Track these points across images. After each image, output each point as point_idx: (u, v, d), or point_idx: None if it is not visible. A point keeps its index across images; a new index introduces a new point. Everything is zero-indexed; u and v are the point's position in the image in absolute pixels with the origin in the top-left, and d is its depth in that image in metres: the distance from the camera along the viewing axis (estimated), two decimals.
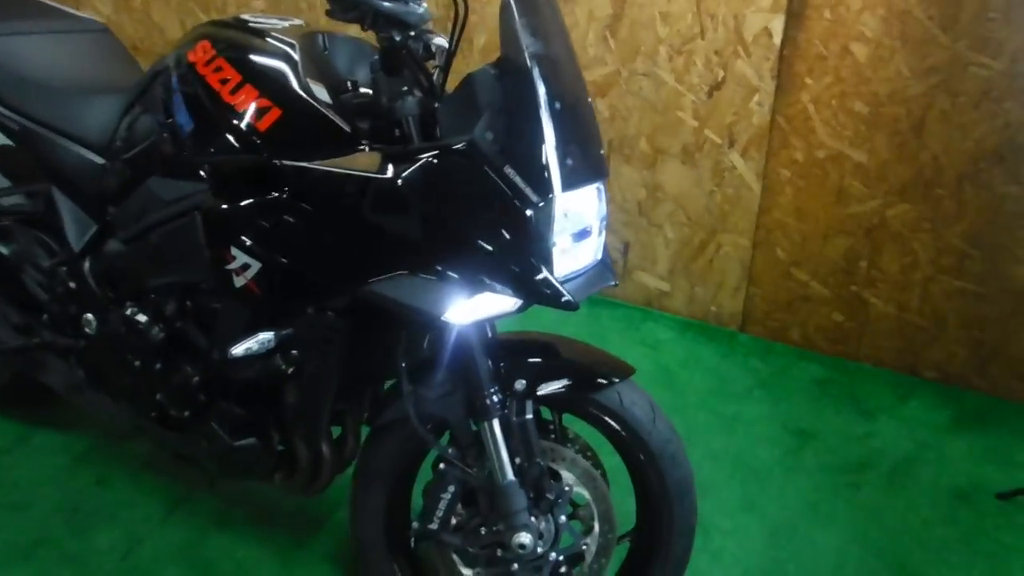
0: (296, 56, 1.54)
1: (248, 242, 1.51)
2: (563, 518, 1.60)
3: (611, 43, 2.51)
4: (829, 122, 2.36)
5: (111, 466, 2.23)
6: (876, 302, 2.54)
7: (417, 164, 1.38)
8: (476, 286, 1.39)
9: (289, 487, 1.81)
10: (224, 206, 1.54)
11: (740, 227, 2.61)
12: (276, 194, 1.49)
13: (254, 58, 1.53)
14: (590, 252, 1.46)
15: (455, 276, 1.39)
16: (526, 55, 1.33)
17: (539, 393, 1.55)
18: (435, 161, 1.38)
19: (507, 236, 1.37)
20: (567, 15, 2.50)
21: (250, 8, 3.04)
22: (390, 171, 1.39)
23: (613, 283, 1.51)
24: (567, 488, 1.60)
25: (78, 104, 1.84)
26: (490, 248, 1.37)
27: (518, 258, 1.37)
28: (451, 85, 1.46)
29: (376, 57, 1.47)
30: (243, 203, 1.52)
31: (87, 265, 1.85)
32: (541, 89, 1.33)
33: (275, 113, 1.46)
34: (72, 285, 1.89)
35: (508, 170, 1.35)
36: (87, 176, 1.82)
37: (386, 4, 1.33)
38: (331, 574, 1.93)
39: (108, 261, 1.83)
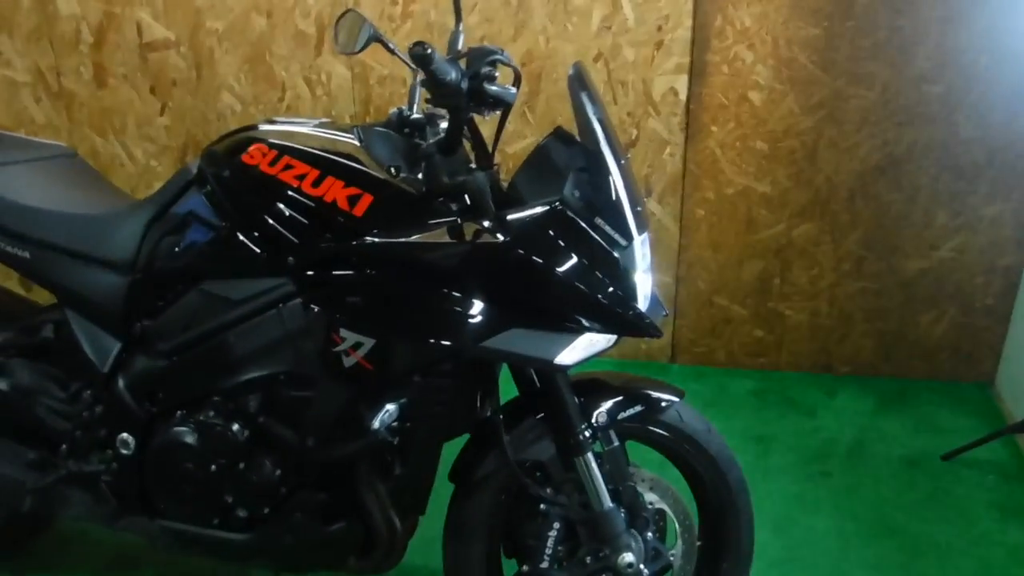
0: (360, 146, 1.64)
1: (358, 321, 1.54)
2: (649, 534, 1.72)
3: (529, 117, 2.72)
4: (735, 161, 2.69)
5: None
6: (790, 313, 2.87)
7: (518, 228, 1.50)
8: (578, 329, 1.52)
9: (365, 567, 1.80)
10: (324, 291, 1.56)
11: (663, 266, 2.87)
12: (381, 272, 1.54)
13: (326, 153, 1.60)
14: (650, 288, 1.63)
15: (559, 323, 1.52)
16: (595, 122, 1.52)
17: (614, 422, 1.68)
18: (534, 223, 1.50)
19: (602, 278, 1.51)
20: None
21: None
22: (496, 237, 1.50)
23: (665, 313, 1.68)
24: (651, 505, 1.73)
25: (88, 225, 1.80)
26: (588, 292, 1.50)
27: (612, 297, 1.52)
28: None
29: (426, 142, 1.60)
30: (347, 285, 1.55)
31: (120, 383, 1.77)
32: (608, 150, 1.52)
33: (368, 199, 1.53)
34: (100, 408, 1.80)
35: (598, 221, 1.51)
36: (108, 294, 1.77)
37: (492, 88, 1.46)
38: None
39: (145, 375, 1.76)
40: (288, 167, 1.60)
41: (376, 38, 1.70)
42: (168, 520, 1.83)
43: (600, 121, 1.54)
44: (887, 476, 2.49)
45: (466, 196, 1.57)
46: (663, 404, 1.71)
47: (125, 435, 1.80)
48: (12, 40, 2.84)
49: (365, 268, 1.55)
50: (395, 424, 1.60)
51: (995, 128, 2.53)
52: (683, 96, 2.61)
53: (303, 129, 1.73)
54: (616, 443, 1.68)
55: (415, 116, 1.78)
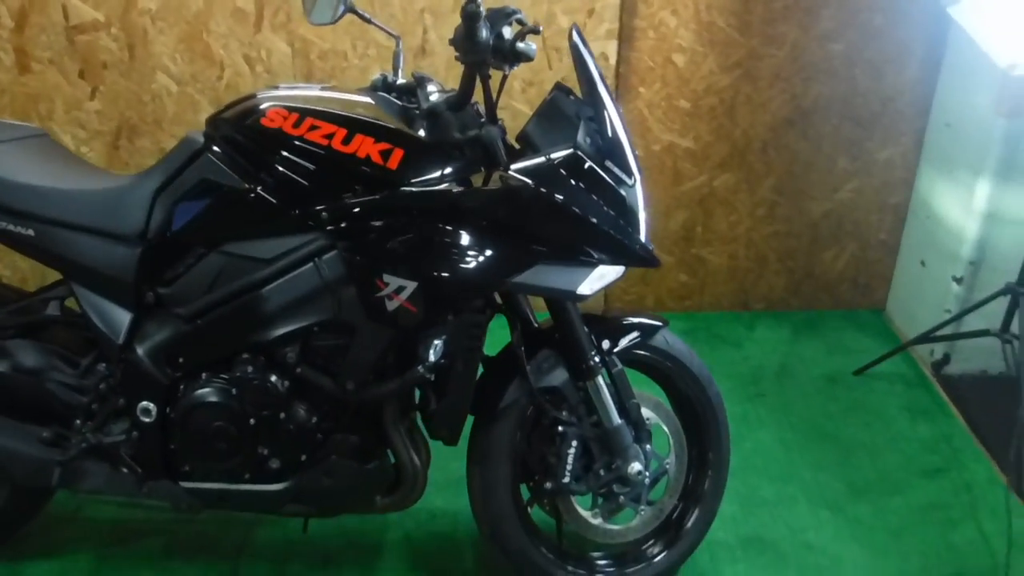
0: (375, 104, 1.75)
1: (400, 266, 1.66)
2: (648, 446, 1.93)
3: None
4: (661, 120, 2.92)
5: (137, 564, 2.15)
6: (712, 258, 3.15)
7: (540, 172, 1.66)
8: (593, 263, 1.70)
9: (391, 505, 1.92)
10: (365, 241, 1.67)
11: None
12: (419, 219, 1.67)
13: (354, 113, 1.70)
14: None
15: (577, 257, 1.70)
16: (597, 76, 1.70)
17: (618, 347, 1.88)
18: (552, 168, 1.66)
19: (614, 215, 1.70)
20: (426, 67, 2.80)
21: None
22: (521, 182, 1.65)
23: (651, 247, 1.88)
24: (649, 419, 1.94)
25: (92, 199, 1.82)
26: (603, 227, 1.69)
27: (622, 232, 1.71)
28: None
29: (441, 98, 1.73)
30: (388, 233, 1.66)
31: (138, 352, 1.80)
32: (610, 100, 1.71)
33: (399, 152, 1.65)
34: (116, 378, 1.83)
35: (607, 163, 1.69)
36: (118, 266, 1.81)
37: (520, 45, 1.60)
38: None
39: (165, 342, 1.81)
40: (314, 128, 1.69)
41: (351, 8, 1.82)
42: (194, 481, 1.89)
43: (601, 76, 1.72)
44: (812, 392, 2.81)
45: (480, 148, 1.72)
46: (656, 330, 1.93)
47: (146, 403, 1.84)
48: None
49: (404, 217, 1.68)
50: (434, 362, 1.73)
51: (888, 80, 2.87)
52: (613, 60, 2.82)
53: (312, 93, 1.81)
54: (619, 366, 1.87)
55: (400, 81, 1.90)
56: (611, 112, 1.73)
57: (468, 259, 1.68)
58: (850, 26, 2.81)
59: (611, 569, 2.01)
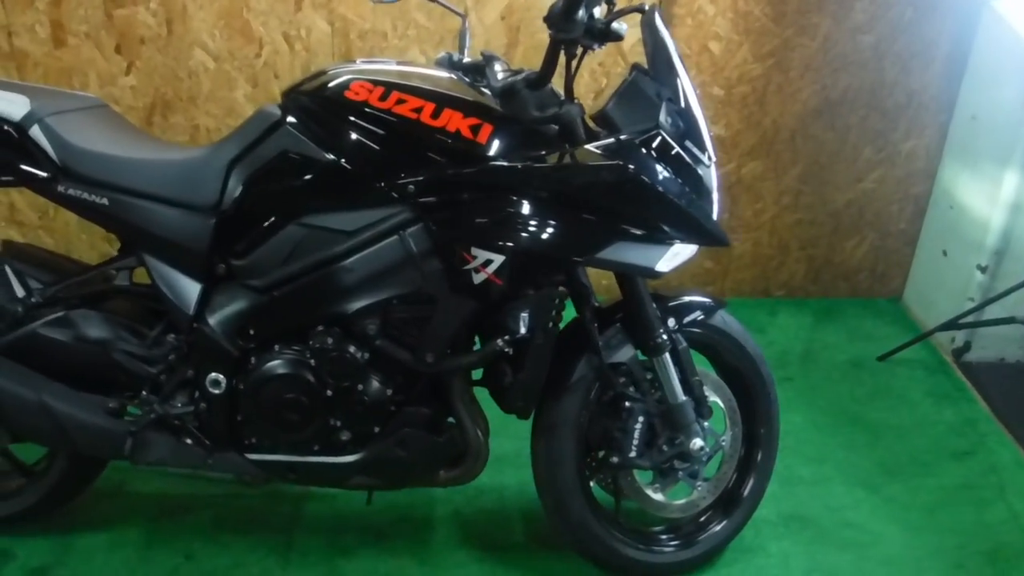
0: (458, 80, 1.77)
1: (488, 239, 1.68)
2: (706, 423, 1.97)
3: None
4: None
5: (188, 537, 2.15)
6: (736, 245, 3.20)
7: (625, 151, 1.69)
8: (669, 241, 1.74)
9: (454, 478, 1.95)
10: (454, 214, 1.69)
11: None
12: (508, 193, 1.69)
13: (440, 88, 1.72)
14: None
15: (655, 235, 1.73)
16: (676, 57, 1.74)
17: (683, 325, 1.92)
18: (636, 146, 1.69)
19: (692, 195, 1.74)
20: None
21: None
22: (609, 160, 1.68)
23: None
24: (707, 397, 1.98)
25: (166, 169, 1.83)
26: (682, 206, 1.73)
27: (699, 211, 1.75)
28: None
29: (519, 76, 1.75)
30: (477, 207, 1.69)
31: (209, 323, 1.81)
32: (688, 81, 1.75)
33: (488, 127, 1.68)
34: (186, 349, 1.84)
35: (687, 143, 1.73)
36: (190, 236, 1.81)
37: (615, 24, 1.63)
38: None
39: (238, 313, 1.83)
40: (401, 101, 1.71)
41: None
42: (261, 453, 1.90)
43: (680, 57, 1.75)
44: (838, 377, 2.88)
45: (560, 126, 1.75)
46: (715, 309, 1.97)
47: (215, 374, 1.85)
48: None
49: (491, 191, 1.70)
50: (522, 334, 1.76)
51: (914, 73, 2.94)
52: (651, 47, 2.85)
53: (390, 67, 1.83)
54: (684, 343, 1.91)
55: (467, 59, 1.93)
56: (689, 93, 1.76)
57: (554, 234, 1.70)
58: (881, 19, 2.87)
59: (668, 542, 2.06)
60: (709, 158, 1.78)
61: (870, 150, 3.05)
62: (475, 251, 1.70)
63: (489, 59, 1.88)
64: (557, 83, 1.76)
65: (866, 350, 3.00)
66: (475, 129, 1.69)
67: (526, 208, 1.70)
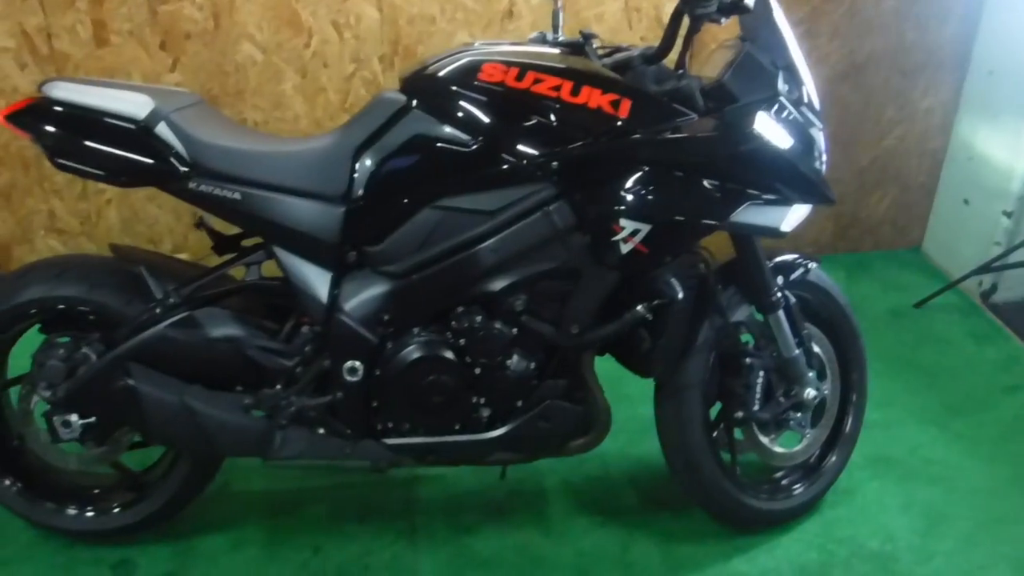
0: (585, 58, 1.82)
1: (635, 210, 1.74)
2: (812, 372, 2.08)
3: None
4: None
5: (310, 531, 2.16)
6: None
7: (750, 118, 1.76)
8: (787, 202, 1.83)
9: (583, 446, 2.01)
10: (600, 188, 1.74)
11: None
12: (651, 164, 1.75)
13: (572, 65, 1.76)
14: None
15: (776, 197, 1.81)
16: (786, 28, 1.83)
17: (790, 281, 2.02)
18: (761, 113, 1.77)
19: (809, 158, 1.82)
20: (512, 31, 2.86)
21: None
22: (740, 127, 1.75)
23: None
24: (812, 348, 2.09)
25: (291, 160, 1.82)
26: (802, 169, 1.81)
27: (815, 173, 1.85)
28: None
29: (636, 52, 1.81)
30: (623, 180, 1.74)
31: (345, 312, 1.83)
32: (798, 49, 1.84)
33: (627, 102, 1.73)
34: (322, 339, 1.86)
35: (803, 108, 1.82)
36: (321, 226, 1.82)
37: (749, 1, 1.69)
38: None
39: (375, 300, 1.84)
40: (538, 81, 1.74)
41: None
42: (399, 437, 1.93)
43: (788, 27, 1.83)
44: (883, 326, 3.03)
45: (680, 98, 1.81)
46: (813, 266, 2.08)
47: (352, 362, 1.87)
48: None
49: (635, 163, 1.75)
50: (655, 302, 1.83)
51: (931, 33, 3.10)
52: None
53: (509, 48, 1.86)
54: (793, 299, 2.01)
55: (562, 38, 1.97)
56: (799, 61, 1.85)
57: (694, 201, 1.77)
58: None
59: (790, 487, 2.18)
60: (822, 122, 1.87)
61: (892, 109, 3.20)
62: (623, 222, 1.76)
63: (588, 37, 1.93)
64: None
65: (900, 299, 3.17)
66: (615, 104, 1.74)
67: (667, 178, 1.77)
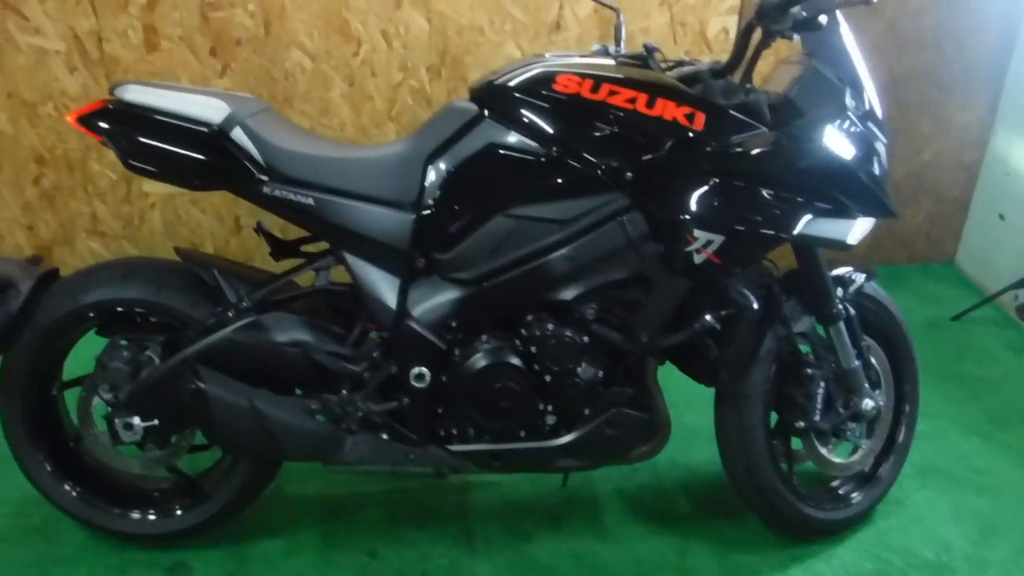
0: (655, 70, 1.83)
1: (710, 221, 1.76)
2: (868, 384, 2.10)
3: None
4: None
5: (366, 535, 2.16)
6: None
7: (819, 132, 1.78)
8: (852, 215, 1.84)
9: (645, 454, 2.02)
10: (675, 199, 1.76)
11: None
12: (725, 176, 1.77)
13: (647, 78, 1.78)
14: None
15: (842, 210, 1.83)
16: (854, 46, 1.85)
17: (849, 293, 2.04)
18: (835, 127, 1.79)
19: (872, 169, 1.84)
20: (559, 42, 2.88)
21: None
22: (814, 140, 1.77)
23: None
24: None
25: (363, 167, 1.84)
26: (868, 183, 1.83)
27: (880, 187, 1.86)
28: None
29: (704, 66, 1.83)
30: (698, 191, 1.76)
31: (414, 318, 1.85)
32: (863, 67, 1.86)
33: (702, 115, 1.74)
34: (390, 345, 1.87)
35: (868, 124, 1.83)
36: (392, 233, 1.84)
37: (821, 17, 1.71)
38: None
39: (444, 306, 1.86)
40: (613, 93, 1.76)
41: None
42: (464, 443, 1.94)
43: (855, 44, 1.86)
44: (922, 338, 3.01)
45: (747, 112, 1.82)
46: (868, 278, 2.09)
47: (419, 368, 1.88)
48: (43, 4, 2.60)
49: (709, 175, 1.77)
50: (723, 311, 1.85)
51: (969, 49, 3.13)
52: (732, 34, 2.97)
53: (580, 60, 1.87)
54: (852, 311, 2.03)
55: (624, 51, 1.99)
56: (865, 76, 1.87)
57: (766, 212, 1.79)
58: (940, 1, 3.05)
59: (846, 497, 2.19)
60: (887, 137, 1.89)
61: (928, 123, 3.24)
62: (698, 232, 1.77)
63: (651, 50, 1.95)
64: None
65: (937, 312, 3.19)
66: (690, 117, 1.75)
67: (739, 190, 1.78)
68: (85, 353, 2.00)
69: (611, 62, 1.93)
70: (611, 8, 2.09)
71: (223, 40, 2.72)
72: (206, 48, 2.73)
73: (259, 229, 2.02)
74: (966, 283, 3.38)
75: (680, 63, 1.96)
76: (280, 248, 2.03)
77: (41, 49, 2.65)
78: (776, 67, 2.07)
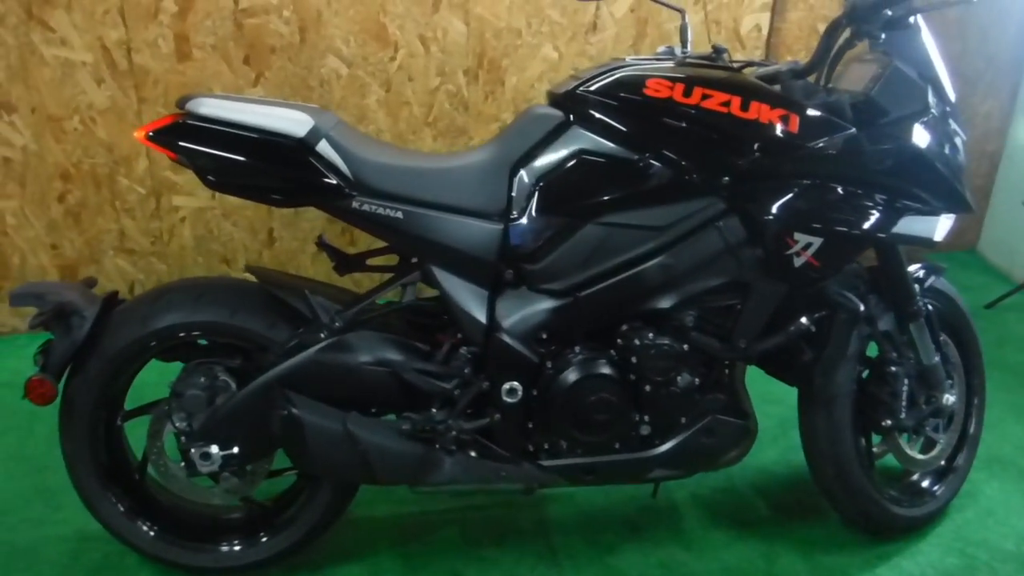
0: (743, 72, 1.81)
1: (809, 224, 1.74)
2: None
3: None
4: None
5: (447, 556, 2.11)
6: None
7: (907, 131, 1.77)
8: (936, 212, 1.84)
9: (731, 460, 1.99)
10: (774, 202, 1.74)
11: None
12: (822, 178, 1.75)
13: (737, 80, 1.75)
14: None
15: (928, 208, 1.82)
16: (933, 45, 1.84)
17: (925, 289, 2.04)
18: (916, 126, 1.78)
19: (956, 167, 1.84)
20: (595, 43, 2.84)
21: None
22: (902, 139, 1.76)
23: None
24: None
25: (447, 177, 1.78)
26: (953, 181, 1.83)
27: (962, 184, 1.86)
28: None
29: (785, 67, 1.81)
30: (796, 193, 1.74)
31: (505, 331, 1.79)
32: (944, 66, 1.85)
33: (795, 117, 1.72)
34: (481, 360, 1.82)
35: (950, 120, 1.83)
36: (480, 244, 1.78)
37: (911, 18, 1.69)
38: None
39: (537, 318, 1.81)
40: (706, 96, 1.72)
41: None
42: (556, 458, 1.89)
43: (934, 43, 1.85)
44: None
45: (829, 112, 1.80)
46: (940, 273, 2.10)
47: (511, 383, 1.83)
48: (69, 15, 2.48)
49: (805, 177, 1.75)
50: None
51: (992, 40, 3.17)
52: (765, 31, 2.96)
53: (657, 64, 1.83)
54: (930, 307, 2.03)
55: (690, 52, 1.97)
56: (944, 74, 1.86)
57: (862, 213, 1.77)
58: None
59: (926, 492, 2.20)
60: (967, 134, 1.89)
61: None
62: (797, 236, 1.75)
63: (719, 51, 1.92)
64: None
65: (969, 300, 3.19)
66: (785, 119, 1.73)
67: (835, 191, 1.76)
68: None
69: (694, 64, 1.90)
70: (676, 9, 2.05)
71: (257, 48, 2.63)
72: (240, 57, 2.63)
73: (321, 243, 1.95)
74: (990, 270, 3.43)
75: (750, 63, 1.94)
76: (344, 262, 1.96)
77: (67, 61, 2.53)
78: (847, 65, 2.05)
